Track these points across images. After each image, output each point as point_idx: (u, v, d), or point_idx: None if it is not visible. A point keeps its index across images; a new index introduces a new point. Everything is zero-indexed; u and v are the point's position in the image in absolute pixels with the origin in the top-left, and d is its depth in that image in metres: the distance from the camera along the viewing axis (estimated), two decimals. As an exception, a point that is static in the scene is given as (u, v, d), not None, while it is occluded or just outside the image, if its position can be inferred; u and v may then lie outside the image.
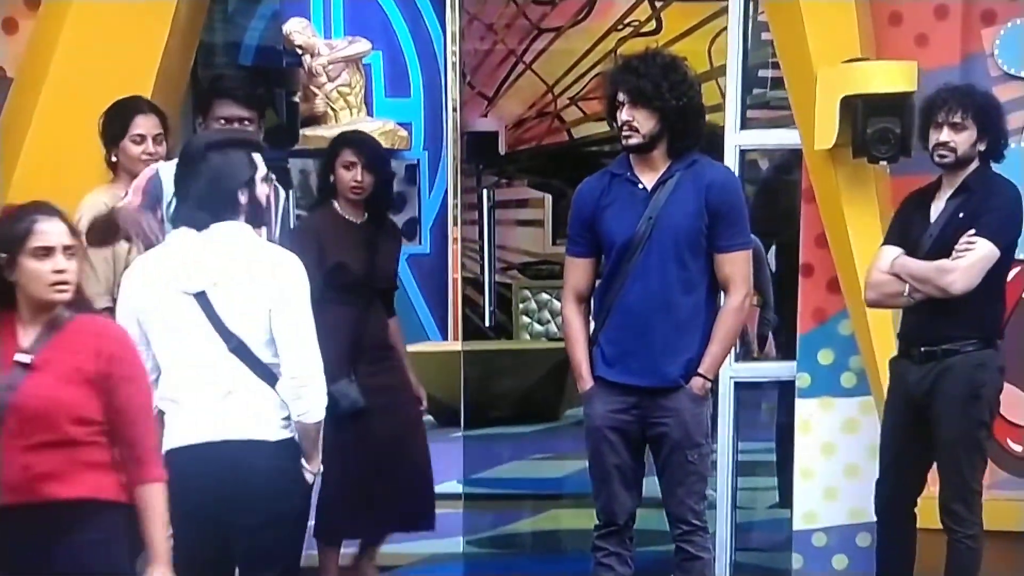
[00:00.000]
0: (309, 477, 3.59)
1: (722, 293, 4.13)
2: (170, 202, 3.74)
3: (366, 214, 4.79)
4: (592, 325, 4.19)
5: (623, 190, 4.12)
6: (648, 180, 4.11)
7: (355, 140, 4.83)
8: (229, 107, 4.24)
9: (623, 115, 4.06)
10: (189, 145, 3.64)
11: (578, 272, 4.18)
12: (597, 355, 4.13)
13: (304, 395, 3.48)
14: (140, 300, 3.52)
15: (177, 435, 3.50)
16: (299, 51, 5.56)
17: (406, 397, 4.89)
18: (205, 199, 3.51)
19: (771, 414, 5.69)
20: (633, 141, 4.07)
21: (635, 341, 4.07)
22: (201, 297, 3.47)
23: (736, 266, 4.10)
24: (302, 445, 3.53)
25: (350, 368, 4.66)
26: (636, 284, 4.06)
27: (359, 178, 4.70)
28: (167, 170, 4.08)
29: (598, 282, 4.19)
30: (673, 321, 4.06)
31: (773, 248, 5.84)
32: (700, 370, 4.08)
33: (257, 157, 3.60)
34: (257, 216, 3.59)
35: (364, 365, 4.73)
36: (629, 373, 4.08)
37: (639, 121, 4.04)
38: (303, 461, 3.55)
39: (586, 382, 4.14)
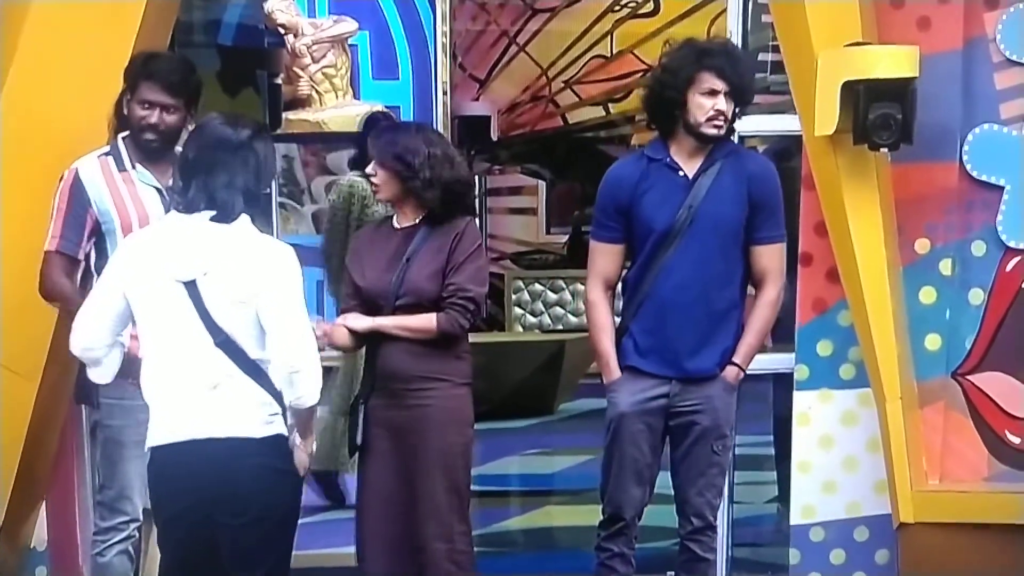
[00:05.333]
0: (302, 456, 3.52)
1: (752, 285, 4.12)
2: (172, 187, 3.64)
3: (415, 218, 4.13)
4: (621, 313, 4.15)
5: (663, 176, 4.07)
6: (688, 167, 4.09)
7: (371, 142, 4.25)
8: (155, 92, 4.09)
9: (720, 104, 4.03)
10: (209, 132, 3.52)
11: (607, 258, 4.13)
12: (628, 344, 4.10)
13: (296, 381, 3.43)
14: (130, 281, 3.49)
15: (161, 431, 3.47)
16: (282, 31, 5.46)
17: (417, 443, 4.10)
18: (231, 190, 3.44)
19: (769, 407, 5.63)
20: (720, 132, 4.06)
21: (671, 331, 4.05)
22: (191, 287, 3.43)
23: (773, 258, 4.12)
24: (296, 425, 3.49)
25: (360, 399, 4.15)
26: (674, 273, 4.03)
27: (376, 180, 4.16)
28: (88, 167, 4.04)
29: (625, 270, 4.15)
30: (710, 312, 4.05)
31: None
32: (735, 359, 4.07)
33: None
34: (253, 206, 3.53)
35: (375, 398, 4.15)
36: (664, 364, 4.06)
37: (728, 113, 4.04)
38: (295, 437, 3.50)
39: (613, 372, 4.09)
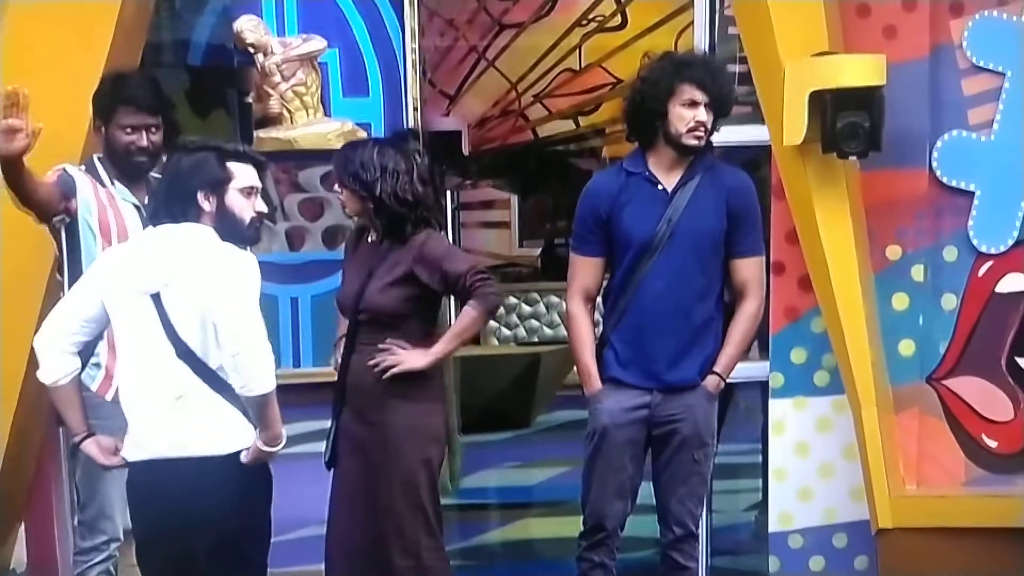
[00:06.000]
0: (257, 448, 3.48)
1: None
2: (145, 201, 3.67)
3: (377, 232, 4.17)
4: (600, 325, 4.18)
5: (641, 189, 4.10)
6: (667, 180, 4.11)
7: (334, 159, 4.27)
8: (136, 115, 4.13)
9: (700, 115, 4.06)
10: (178, 157, 3.60)
11: (587, 271, 4.17)
12: (609, 356, 4.12)
13: (240, 366, 3.43)
14: (107, 293, 3.54)
15: (134, 448, 3.53)
16: (251, 50, 5.44)
17: (379, 459, 4.09)
18: (165, 197, 3.53)
19: (746, 415, 5.64)
20: (701, 143, 4.08)
21: (651, 343, 4.08)
22: (156, 299, 3.48)
23: (752, 271, 4.16)
24: (252, 416, 3.49)
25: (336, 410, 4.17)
26: (654, 285, 4.06)
27: (341, 197, 4.20)
28: (73, 168, 4.10)
29: (605, 282, 4.18)
30: (690, 323, 4.08)
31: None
32: (716, 369, 4.10)
33: (239, 167, 3.56)
34: (231, 227, 3.54)
35: (345, 413, 4.16)
36: (645, 375, 4.08)
37: (709, 124, 4.07)
38: (256, 434, 3.49)
39: (594, 383, 4.12)
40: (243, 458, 3.50)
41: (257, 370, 3.44)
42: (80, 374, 3.62)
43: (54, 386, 3.59)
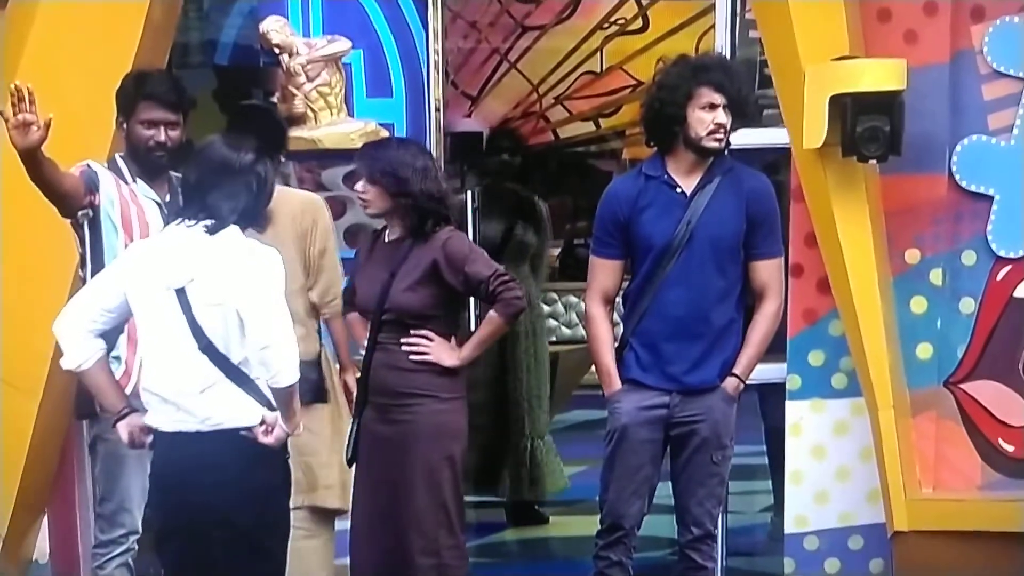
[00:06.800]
0: (279, 433, 3.54)
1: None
2: (170, 203, 3.76)
3: (404, 230, 4.17)
4: (621, 327, 4.21)
5: (660, 193, 4.12)
6: (686, 183, 4.13)
7: (360, 157, 4.28)
8: (157, 110, 4.15)
9: (720, 118, 4.08)
10: (212, 155, 3.61)
11: (607, 274, 4.19)
12: (629, 357, 4.14)
13: (268, 359, 3.48)
14: (131, 286, 3.58)
15: (158, 420, 3.59)
16: (276, 50, 5.50)
17: (402, 458, 4.12)
18: (231, 209, 3.54)
19: (763, 417, 5.66)
20: (722, 145, 4.10)
21: (671, 346, 4.09)
22: (181, 293, 3.52)
23: (772, 273, 4.17)
24: (278, 408, 3.54)
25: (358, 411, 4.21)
26: (673, 288, 4.08)
27: (366, 196, 4.19)
28: (96, 165, 4.12)
29: (626, 284, 4.20)
30: (710, 326, 4.09)
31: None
32: (735, 371, 4.11)
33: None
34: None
35: (368, 412, 4.19)
36: (664, 377, 4.10)
37: (728, 125, 4.08)
38: (279, 419, 3.54)
39: (614, 384, 4.14)
40: (263, 437, 3.53)
41: (285, 362, 3.49)
42: (105, 356, 3.64)
43: (80, 370, 3.61)
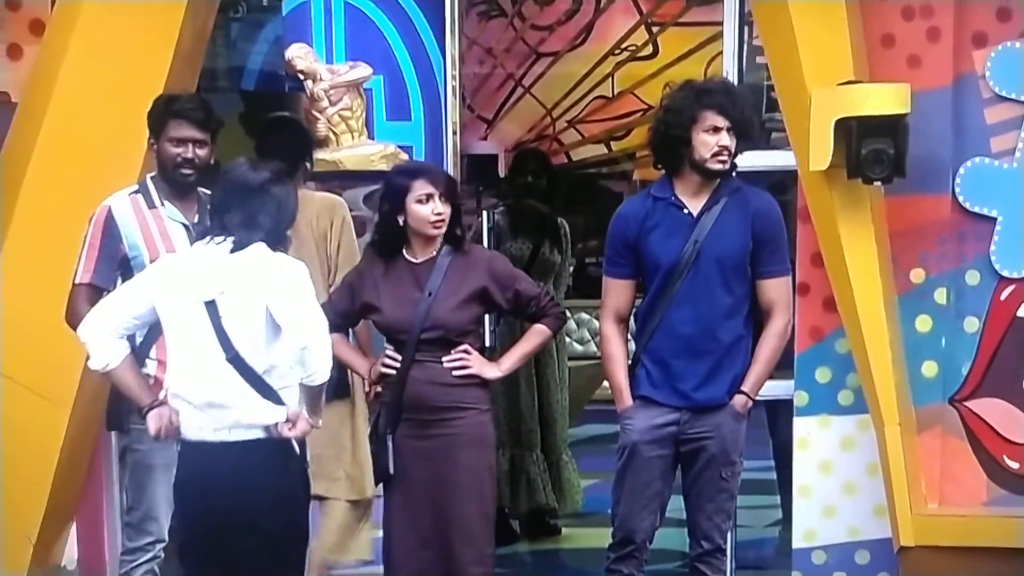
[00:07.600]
0: (303, 426, 3.65)
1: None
2: (198, 223, 3.86)
3: (433, 251, 4.17)
4: (632, 345, 4.26)
5: (668, 214, 4.18)
6: (692, 204, 4.19)
7: (427, 169, 4.28)
8: (184, 128, 4.22)
9: (723, 140, 4.13)
10: (234, 177, 3.71)
11: (619, 293, 4.25)
12: (641, 374, 4.21)
13: (306, 359, 3.58)
14: (160, 297, 3.67)
15: (188, 428, 3.67)
16: (301, 76, 5.63)
17: (449, 469, 4.13)
18: (252, 227, 3.64)
19: (771, 433, 5.71)
20: (726, 167, 4.15)
21: (680, 363, 4.15)
22: (211, 306, 3.61)
23: (779, 291, 4.21)
24: (305, 403, 3.65)
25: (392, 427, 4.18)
26: (682, 307, 4.13)
27: (439, 210, 4.13)
28: (119, 203, 4.17)
29: (638, 303, 4.26)
30: (718, 344, 4.14)
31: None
32: (743, 388, 4.16)
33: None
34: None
35: (403, 427, 4.18)
36: (674, 394, 4.16)
37: (732, 148, 4.14)
38: (303, 412, 3.65)
39: (626, 400, 4.20)
40: (287, 432, 3.62)
41: (321, 361, 3.60)
42: (131, 355, 3.71)
43: (107, 370, 3.69)
